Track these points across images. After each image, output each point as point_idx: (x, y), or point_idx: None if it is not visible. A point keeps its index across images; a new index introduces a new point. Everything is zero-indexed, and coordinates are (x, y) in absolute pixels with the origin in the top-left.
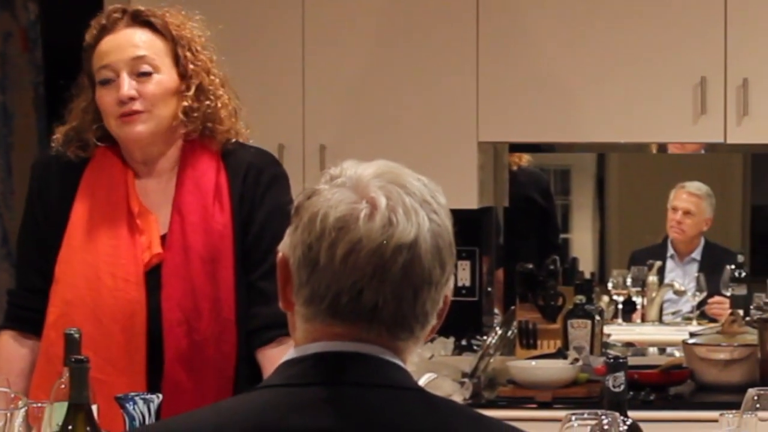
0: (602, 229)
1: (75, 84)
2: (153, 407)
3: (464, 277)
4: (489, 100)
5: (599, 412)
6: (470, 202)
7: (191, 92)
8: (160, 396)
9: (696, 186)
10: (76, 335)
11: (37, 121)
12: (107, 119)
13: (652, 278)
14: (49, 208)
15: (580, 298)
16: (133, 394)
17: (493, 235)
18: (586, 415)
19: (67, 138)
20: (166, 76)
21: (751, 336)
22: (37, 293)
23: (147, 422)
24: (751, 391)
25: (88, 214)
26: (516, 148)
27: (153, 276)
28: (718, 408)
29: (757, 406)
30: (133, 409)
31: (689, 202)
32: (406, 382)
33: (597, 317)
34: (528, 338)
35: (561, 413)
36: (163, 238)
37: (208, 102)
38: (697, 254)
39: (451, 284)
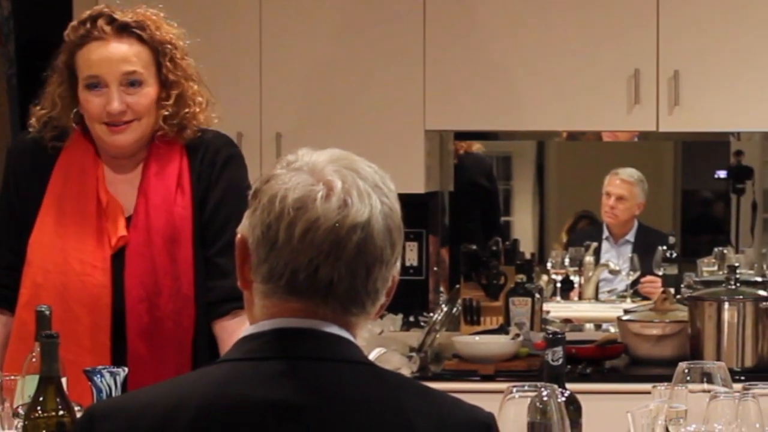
0: (542, 213)
1: (50, 67)
2: (119, 380)
3: (412, 257)
4: (435, 91)
5: (539, 384)
6: (418, 186)
7: (171, 101)
8: (126, 369)
9: (628, 173)
10: (47, 312)
11: (10, 111)
12: (90, 122)
13: (589, 259)
14: (23, 189)
15: (521, 277)
16: (100, 367)
17: (439, 218)
18: (526, 387)
19: (44, 124)
20: (151, 88)
21: (682, 313)
22: (11, 270)
23: (114, 394)
24: (682, 365)
25: (59, 200)
26: (461, 136)
27: (119, 258)
28: (650, 380)
29: (688, 378)
30: (101, 381)
31: (622, 188)
32: (357, 357)
33: (537, 295)
34: (472, 315)
35: (503, 385)
36: (128, 220)
37: (186, 109)
38: (630, 236)
39: (398, 265)
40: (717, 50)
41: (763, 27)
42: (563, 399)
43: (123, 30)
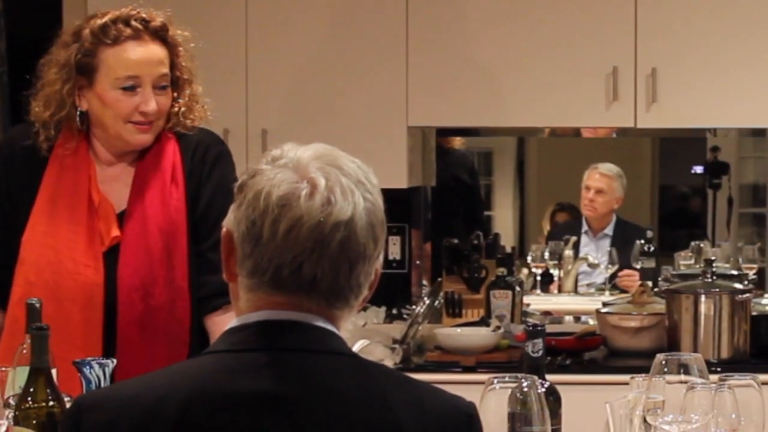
0: (522, 207)
1: (53, 63)
2: (108, 371)
3: (395, 251)
4: (418, 88)
5: (519, 375)
6: (400, 181)
7: (184, 101)
8: (115, 360)
9: (607, 167)
10: (37, 305)
11: (1, 108)
12: (114, 120)
13: (568, 252)
14: (14, 189)
15: (502, 271)
16: (89, 359)
17: (422, 212)
18: (507, 379)
19: (43, 123)
20: (170, 89)
21: (659, 306)
22: (2, 269)
23: (102, 385)
24: (660, 356)
25: (52, 200)
26: (443, 132)
27: (111, 255)
28: (628, 372)
29: (665, 370)
30: (90, 372)
31: (601, 182)
32: (340, 348)
33: (517, 288)
34: (454, 307)
35: (484, 377)
36: (121, 216)
37: (193, 107)
38: (609, 230)
39: (381, 259)
40: (694, 48)
41: (739, 26)
42: (543, 390)
43: (155, 32)
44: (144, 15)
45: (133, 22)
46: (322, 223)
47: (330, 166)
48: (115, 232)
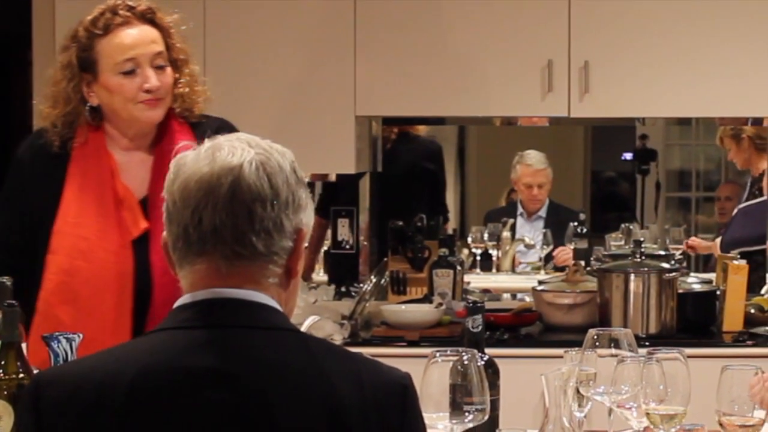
0: (462, 192)
1: (57, 67)
2: (74, 345)
3: (344, 233)
4: (365, 80)
5: (460, 349)
6: (348, 167)
7: (185, 80)
8: (81, 335)
9: (536, 159)
10: (8, 283)
11: None
12: (124, 104)
13: (506, 234)
14: (32, 190)
15: (444, 251)
16: (57, 333)
17: (369, 197)
18: (448, 352)
19: (52, 124)
20: (170, 69)
21: (592, 284)
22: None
23: (69, 359)
24: (592, 331)
25: (79, 194)
26: (388, 121)
27: (139, 242)
28: (563, 346)
29: (597, 344)
30: (57, 346)
31: (541, 177)
32: (283, 324)
33: (458, 267)
34: (398, 285)
35: (427, 350)
36: (143, 202)
37: (197, 88)
38: (542, 212)
39: (303, 217)
40: (624, 43)
41: (666, 22)
42: (482, 363)
43: (142, 16)
44: (129, 2)
45: (120, 11)
46: (208, 173)
47: (234, 138)
48: (144, 224)
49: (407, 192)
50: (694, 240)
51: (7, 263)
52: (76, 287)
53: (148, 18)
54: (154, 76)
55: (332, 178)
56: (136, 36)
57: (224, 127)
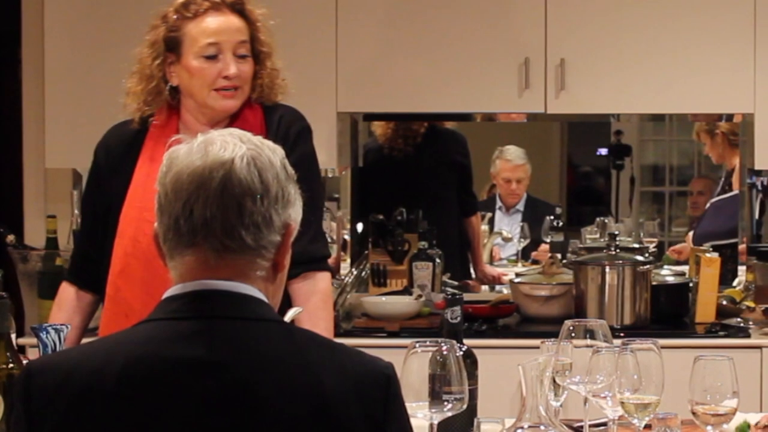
0: None
1: (145, 45)
2: (63, 336)
3: (326, 226)
4: (346, 77)
5: (439, 340)
6: (331, 163)
7: (267, 71)
8: (69, 326)
9: (515, 154)
10: None
11: None
12: (201, 88)
13: (484, 227)
14: (109, 173)
15: (423, 244)
16: (46, 324)
17: (350, 191)
18: (428, 343)
19: (138, 95)
20: (251, 60)
21: (568, 276)
22: (87, 260)
23: (57, 349)
24: (567, 323)
25: (146, 179)
26: (369, 117)
27: None
28: (539, 336)
29: (573, 335)
30: (46, 337)
31: (520, 172)
32: (268, 315)
33: (437, 260)
34: (379, 278)
35: (407, 341)
36: None
37: (275, 80)
38: (520, 206)
39: (292, 213)
40: (599, 41)
41: (640, 20)
42: (461, 353)
43: (232, 6)
44: None
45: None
46: (200, 166)
47: (226, 133)
48: None
49: (439, 182)
50: (682, 246)
51: (90, 257)
52: (140, 271)
53: (237, 9)
54: (234, 64)
55: None
56: (222, 23)
57: (295, 118)
